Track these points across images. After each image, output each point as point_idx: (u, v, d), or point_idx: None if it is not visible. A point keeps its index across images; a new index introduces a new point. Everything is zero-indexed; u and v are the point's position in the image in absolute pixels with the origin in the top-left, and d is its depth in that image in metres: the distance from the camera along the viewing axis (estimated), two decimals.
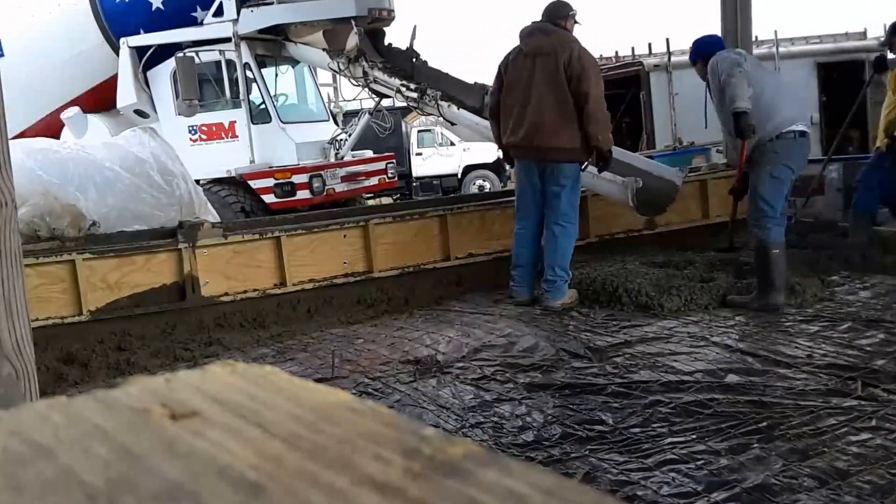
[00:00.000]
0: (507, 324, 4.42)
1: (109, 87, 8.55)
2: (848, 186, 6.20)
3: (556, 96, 4.53)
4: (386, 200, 11.21)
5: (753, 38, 7.46)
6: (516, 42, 4.90)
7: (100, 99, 8.70)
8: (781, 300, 4.33)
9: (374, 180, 8.94)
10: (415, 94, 7.10)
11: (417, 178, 17.29)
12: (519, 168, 4.82)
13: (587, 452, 2.72)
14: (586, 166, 4.83)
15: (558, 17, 4.80)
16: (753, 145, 4.38)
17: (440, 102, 6.91)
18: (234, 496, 0.31)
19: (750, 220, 4.52)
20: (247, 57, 8.11)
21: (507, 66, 4.72)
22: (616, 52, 13.30)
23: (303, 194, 7.82)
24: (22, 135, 7.58)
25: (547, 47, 4.61)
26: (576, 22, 4.91)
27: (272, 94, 8.45)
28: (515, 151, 4.78)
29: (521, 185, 4.81)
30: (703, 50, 4.71)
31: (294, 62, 8.89)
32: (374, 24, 7.60)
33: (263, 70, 8.38)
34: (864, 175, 5.81)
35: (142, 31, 8.34)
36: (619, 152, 5.52)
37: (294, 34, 8.21)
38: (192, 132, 8.31)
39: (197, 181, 6.12)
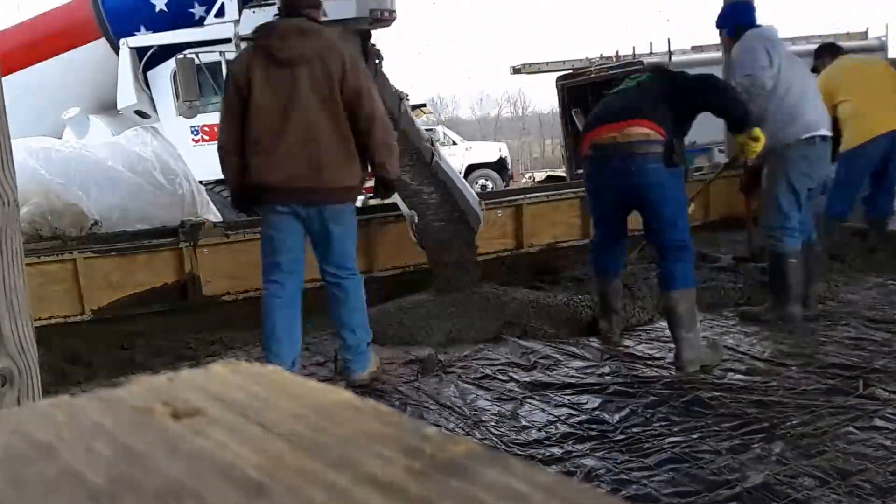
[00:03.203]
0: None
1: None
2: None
3: (333, 120, 3.39)
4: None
5: None
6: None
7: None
8: (797, 311, 4.10)
9: None
10: None
11: None
12: (275, 214, 3.49)
13: (588, 451, 2.72)
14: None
15: (310, 7, 3.52)
16: (770, 148, 3.99)
17: None
18: (236, 495, 0.31)
19: (764, 228, 4.28)
20: None
21: (250, 82, 3.37)
22: (616, 52, 13.30)
23: None
24: None
25: (310, 53, 3.38)
26: (325, 15, 3.78)
27: None
28: (275, 196, 3.44)
29: (280, 237, 3.51)
30: (734, 19, 4.31)
31: None
32: (375, 25, 7.59)
33: None
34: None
35: (143, 29, 8.34)
36: (447, 167, 5.13)
37: None
38: (194, 133, 8.32)
39: (199, 182, 6.12)
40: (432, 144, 5.16)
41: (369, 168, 3.57)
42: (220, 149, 3.53)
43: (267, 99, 3.37)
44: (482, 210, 5.17)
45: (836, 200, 5.44)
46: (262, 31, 3.51)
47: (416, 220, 4.89)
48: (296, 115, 3.36)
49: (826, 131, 4.17)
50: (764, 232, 4.31)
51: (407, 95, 5.30)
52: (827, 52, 5.80)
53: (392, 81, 5.41)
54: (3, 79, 1.29)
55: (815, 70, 5.60)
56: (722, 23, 4.45)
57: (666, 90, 3.64)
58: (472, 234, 5.00)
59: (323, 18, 6.49)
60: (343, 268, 3.59)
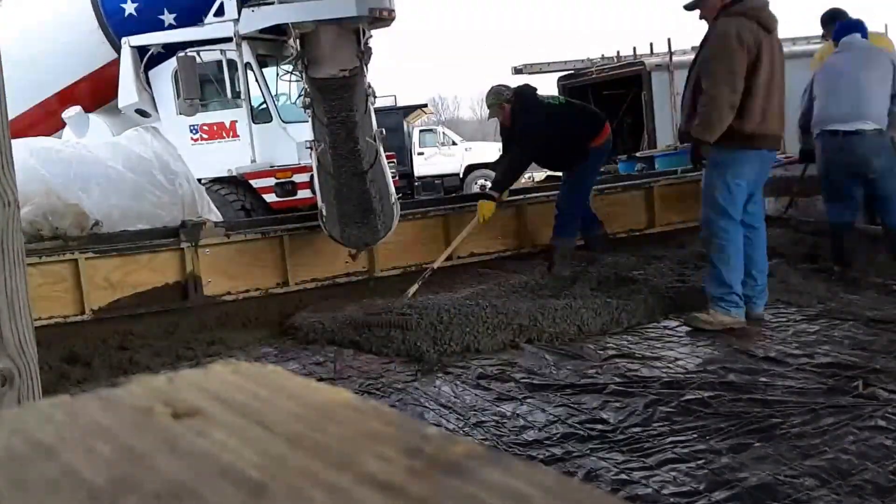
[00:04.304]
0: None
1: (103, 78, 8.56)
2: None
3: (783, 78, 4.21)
4: None
5: None
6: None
7: (95, 91, 8.69)
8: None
9: None
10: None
11: (419, 178, 17.30)
12: (752, 161, 4.11)
13: (588, 451, 2.72)
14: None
15: None
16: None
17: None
18: (237, 495, 0.31)
19: None
20: (248, 57, 8.11)
21: (760, 47, 4.03)
22: (618, 52, 13.30)
23: (304, 193, 7.82)
24: (20, 128, 7.57)
25: (775, 22, 4.17)
26: None
27: (273, 93, 8.45)
28: (765, 141, 4.11)
29: (744, 181, 4.12)
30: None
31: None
32: (374, 25, 7.60)
33: (264, 69, 8.38)
34: None
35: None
36: (384, 167, 5.21)
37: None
38: (194, 132, 8.32)
39: (198, 180, 6.12)
40: (376, 141, 5.16)
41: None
42: (724, 106, 3.99)
43: (766, 62, 4.04)
44: (398, 213, 5.20)
45: None
46: (752, 4, 4.13)
47: (325, 212, 4.90)
48: (778, 75, 4.12)
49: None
50: None
51: (374, 91, 5.44)
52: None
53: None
54: None
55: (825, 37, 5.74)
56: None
57: None
58: (374, 237, 5.06)
59: (323, 17, 6.43)
60: (762, 210, 4.35)
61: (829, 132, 4.74)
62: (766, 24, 4.08)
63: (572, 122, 5.56)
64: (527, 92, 5.63)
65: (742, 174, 4.10)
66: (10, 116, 1.29)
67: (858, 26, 5.11)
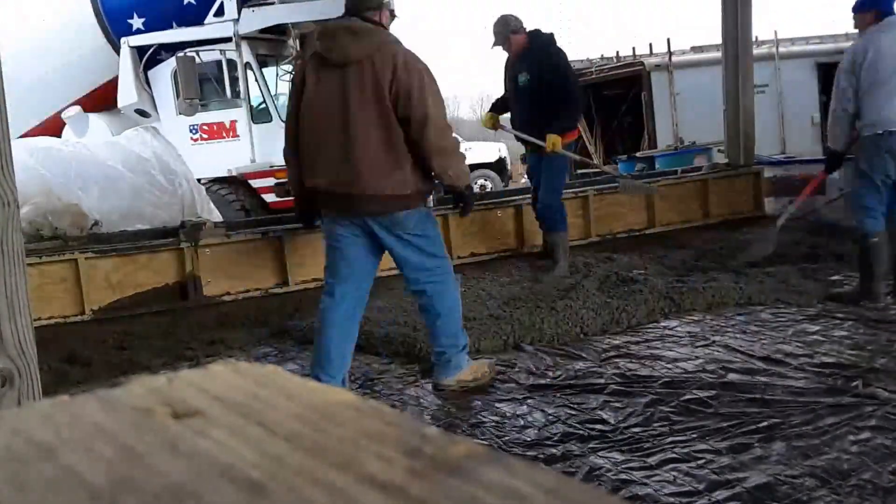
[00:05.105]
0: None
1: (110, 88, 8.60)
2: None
3: (380, 123, 3.22)
4: None
5: (754, 38, 7.45)
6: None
7: (101, 101, 8.74)
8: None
9: None
10: None
11: None
12: (330, 223, 3.42)
13: (588, 451, 2.72)
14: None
15: (369, 9, 3.35)
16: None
17: None
18: (237, 495, 0.31)
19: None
20: (248, 56, 8.12)
21: (304, 81, 3.35)
22: (617, 53, 13.31)
23: None
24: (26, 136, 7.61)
25: (358, 54, 3.24)
26: (393, 16, 3.59)
27: (273, 93, 8.46)
28: (325, 200, 3.37)
29: (337, 246, 3.40)
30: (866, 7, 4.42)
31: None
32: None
33: (264, 69, 8.39)
34: None
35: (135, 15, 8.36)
36: None
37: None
38: (193, 131, 8.32)
39: (198, 180, 6.12)
40: None
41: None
42: (283, 155, 3.57)
43: (316, 102, 3.30)
44: None
45: None
46: (318, 32, 3.45)
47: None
48: (341, 118, 3.24)
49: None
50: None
51: None
52: None
53: None
54: None
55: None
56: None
57: None
58: None
59: (322, 17, 6.38)
60: (424, 272, 3.43)
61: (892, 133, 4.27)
62: (327, 56, 3.29)
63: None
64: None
65: (329, 237, 3.44)
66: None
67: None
